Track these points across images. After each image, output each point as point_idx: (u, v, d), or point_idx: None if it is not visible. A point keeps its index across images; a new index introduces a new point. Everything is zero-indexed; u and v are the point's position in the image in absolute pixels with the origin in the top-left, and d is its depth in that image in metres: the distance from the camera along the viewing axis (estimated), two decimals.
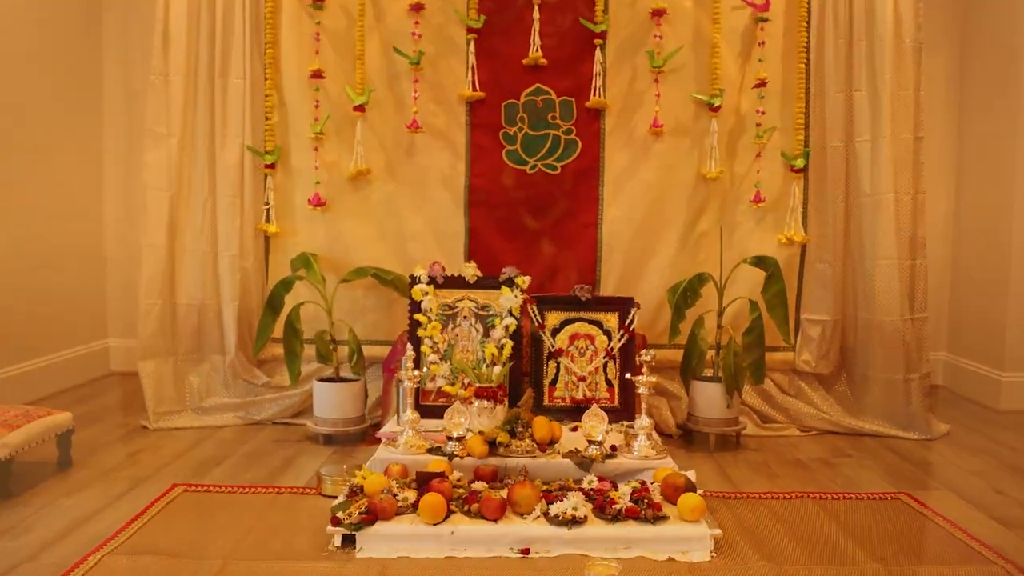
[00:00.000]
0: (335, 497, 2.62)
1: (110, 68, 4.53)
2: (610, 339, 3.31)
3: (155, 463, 3.09)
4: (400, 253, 3.66)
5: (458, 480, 2.57)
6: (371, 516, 2.34)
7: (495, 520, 2.36)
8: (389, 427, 3.13)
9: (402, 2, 3.57)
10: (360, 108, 3.58)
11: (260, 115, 3.63)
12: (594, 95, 3.58)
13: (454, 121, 3.63)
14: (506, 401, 3.05)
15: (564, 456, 2.75)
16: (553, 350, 3.30)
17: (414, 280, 3.31)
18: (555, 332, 3.33)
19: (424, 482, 2.48)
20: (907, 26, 3.51)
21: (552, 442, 2.83)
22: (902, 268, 3.54)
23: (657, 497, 2.47)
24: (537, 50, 3.55)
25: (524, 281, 3.27)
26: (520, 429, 2.82)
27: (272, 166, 3.65)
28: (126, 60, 4.47)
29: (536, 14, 3.55)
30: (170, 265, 3.62)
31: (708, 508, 2.46)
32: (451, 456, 2.72)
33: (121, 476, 2.94)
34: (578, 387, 3.28)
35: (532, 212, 3.66)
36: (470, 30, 3.57)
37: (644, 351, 2.87)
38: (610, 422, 2.87)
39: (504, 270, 3.31)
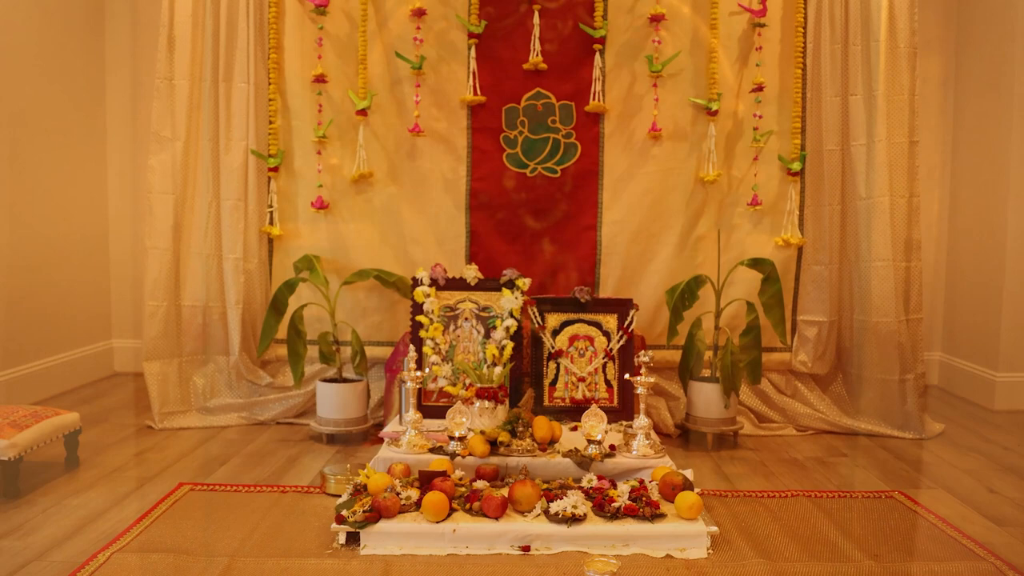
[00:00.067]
0: (339, 496, 2.67)
1: (114, 70, 4.57)
2: (609, 340, 3.35)
3: (161, 463, 3.14)
4: (402, 255, 3.70)
5: (460, 479, 2.62)
6: (375, 514, 2.39)
7: (496, 518, 2.41)
8: (392, 427, 3.17)
9: (404, 7, 3.62)
10: (363, 112, 3.62)
11: (264, 119, 3.68)
12: (593, 99, 3.62)
13: (455, 125, 3.68)
14: (507, 401, 3.10)
15: (564, 455, 2.80)
16: (553, 351, 3.35)
17: (416, 282, 3.35)
18: (555, 333, 3.37)
19: (427, 481, 2.53)
20: (902, 31, 3.55)
21: (552, 442, 2.88)
22: (897, 270, 3.59)
23: (655, 495, 2.52)
24: (537, 55, 3.60)
25: (524, 283, 3.32)
26: (521, 429, 2.87)
27: (276, 169, 3.70)
28: (130, 62, 4.51)
29: (536, 19, 3.60)
30: (175, 267, 3.66)
31: (705, 506, 2.51)
32: (453, 455, 2.77)
33: (128, 476, 2.98)
34: (578, 387, 3.32)
35: (532, 215, 3.71)
36: (471, 35, 3.62)
37: (642, 352, 2.92)
38: (609, 422, 2.92)
39: (505, 272, 3.36)
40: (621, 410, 3.27)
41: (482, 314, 3.35)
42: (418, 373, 2.93)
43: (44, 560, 2.26)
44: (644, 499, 2.46)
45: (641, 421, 2.84)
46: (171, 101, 3.62)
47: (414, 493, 2.48)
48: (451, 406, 2.88)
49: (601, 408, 2.87)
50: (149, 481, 2.92)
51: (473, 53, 3.61)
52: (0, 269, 3.74)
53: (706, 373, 3.49)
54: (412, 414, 2.90)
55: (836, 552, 2.36)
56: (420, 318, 3.29)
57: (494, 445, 2.81)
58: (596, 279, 3.72)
